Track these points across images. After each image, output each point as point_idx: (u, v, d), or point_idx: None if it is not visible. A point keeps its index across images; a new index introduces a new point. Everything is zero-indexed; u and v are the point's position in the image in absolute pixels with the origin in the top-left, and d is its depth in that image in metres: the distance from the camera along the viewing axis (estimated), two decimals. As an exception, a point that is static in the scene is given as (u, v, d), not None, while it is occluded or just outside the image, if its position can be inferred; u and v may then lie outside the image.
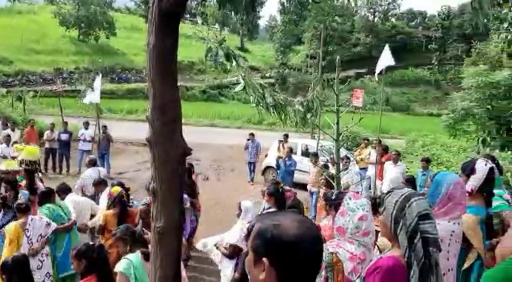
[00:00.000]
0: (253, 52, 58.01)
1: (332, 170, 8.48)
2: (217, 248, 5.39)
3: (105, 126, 15.08)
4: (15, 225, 5.42)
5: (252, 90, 5.41)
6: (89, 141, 14.62)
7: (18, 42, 40.06)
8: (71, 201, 6.71)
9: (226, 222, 9.89)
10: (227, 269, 5.16)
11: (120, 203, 6.15)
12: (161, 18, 3.25)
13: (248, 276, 1.52)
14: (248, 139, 14.60)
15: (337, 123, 6.11)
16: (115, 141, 15.71)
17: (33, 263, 5.18)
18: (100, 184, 7.63)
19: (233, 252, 5.19)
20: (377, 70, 10.45)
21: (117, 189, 6.36)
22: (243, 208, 5.72)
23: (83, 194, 8.31)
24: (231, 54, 4.08)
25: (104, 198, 6.89)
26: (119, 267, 3.89)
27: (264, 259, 1.42)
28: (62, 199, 6.67)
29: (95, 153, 14.70)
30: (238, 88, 4.88)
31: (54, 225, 5.70)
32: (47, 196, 6.18)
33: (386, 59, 10.10)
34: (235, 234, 5.38)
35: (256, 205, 6.89)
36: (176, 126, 3.49)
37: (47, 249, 5.65)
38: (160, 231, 3.48)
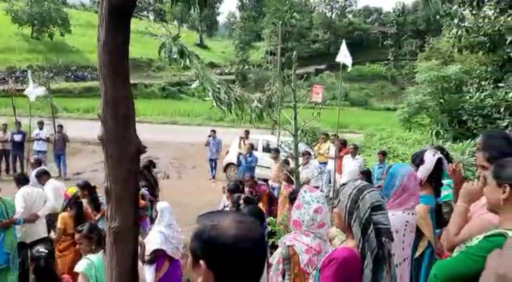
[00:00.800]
0: (213, 49, 57.75)
1: (293, 165, 8.56)
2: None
3: (60, 126, 14.66)
4: None
5: (210, 87, 5.39)
6: (45, 141, 14.16)
7: (-33, 41, 38.35)
8: (23, 193, 6.64)
9: (188, 220, 9.84)
10: (148, 273, 5.01)
11: (76, 204, 6.03)
12: (111, 14, 3.17)
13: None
14: (209, 136, 14.53)
15: (295, 118, 6.16)
16: (71, 140, 15.30)
17: None
18: (42, 174, 7.53)
19: (156, 257, 5.10)
20: (341, 61, 10.56)
21: (72, 190, 6.29)
22: (159, 210, 5.58)
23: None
24: (185, 51, 4.04)
25: (49, 190, 7.01)
26: (80, 267, 3.79)
27: (201, 262, 1.37)
28: (19, 188, 6.70)
29: (51, 153, 14.29)
30: (195, 85, 4.84)
31: None
32: None
33: (342, 57, 10.26)
34: (155, 238, 5.23)
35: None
36: (129, 124, 3.41)
37: None
38: (115, 231, 3.40)
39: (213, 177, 14.60)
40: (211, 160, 14.59)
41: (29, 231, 6.54)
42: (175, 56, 4.55)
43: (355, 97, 46.19)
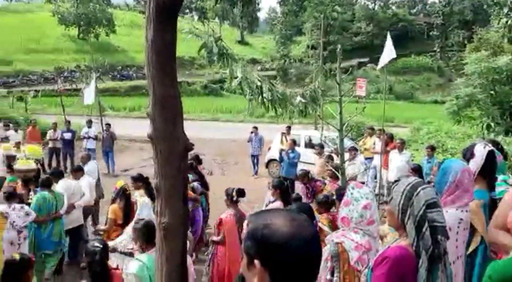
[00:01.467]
0: (254, 45, 57.83)
1: (337, 161, 8.45)
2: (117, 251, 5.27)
3: (108, 124, 15.08)
4: None
5: (248, 85, 5.37)
6: (94, 139, 14.62)
7: (17, 42, 40.03)
8: (63, 186, 7.11)
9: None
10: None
11: (124, 196, 6.33)
12: (158, 14, 3.21)
13: None
14: (252, 133, 14.58)
15: (340, 113, 6.07)
16: (118, 138, 15.72)
17: (11, 248, 5.80)
18: (78, 170, 8.01)
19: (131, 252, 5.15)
20: (381, 63, 10.35)
21: (121, 183, 6.64)
22: (140, 206, 5.79)
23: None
24: (225, 52, 4.05)
25: (85, 184, 7.61)
26: (132, 269, 3.84)
27: (256, 261, 1.36)
28: (56, 182, 7.08)
29: (100, 151, 14.75)
30: (235, 83, 4.84)
31: (33, 216, 6.12)
32: (46, 185, 6.63)
33: (388, 52, 9.99)
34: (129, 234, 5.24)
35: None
36: (177, 122, 3.46)
37: (25, 233, 6.08)
38: (165, 227, 3.47)
39: (256, 173, 14.64)
40: (253, 156, 14.64)
41: (66, 219, 7.01)
42: (215, 57, 4.58)
43: (400, 90, 45.05)
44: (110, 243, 5.53)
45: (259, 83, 5.02)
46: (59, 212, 6.64)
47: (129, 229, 5.31)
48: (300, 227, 1.38)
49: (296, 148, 12.10)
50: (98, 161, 14.24)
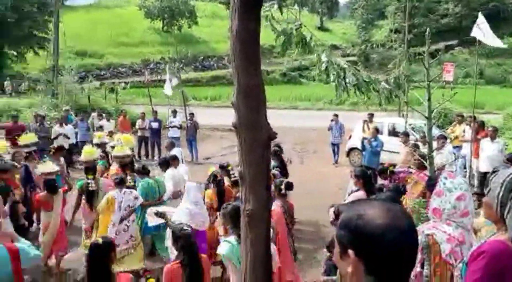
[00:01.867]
0: (334, 31, 56.70)
1: (424, 150, 8.08)
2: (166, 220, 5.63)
3: (192, 114, 15.63)
4: (108, 196, 6.49)
5: (334, 70, 5.27)
6: (178, 128, 15.23)
7: (107, 36, 42.52)
8: (170, 174, 7.65)
9: (311, 206, 9.89)
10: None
11: (215, 182, 6.73)
12: (243, 3, 3.24)
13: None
14: (332, 121, 14.38)
15: (429, 99, 5.78)
16: (201, 127, 16.22)
17: (120, 227, 6.41)
18: (174, 159, 8.40)
19: None
20: (488, 42, 9.69)
21: (211, 169, 7.18)
22: (186, 189, 5.98)
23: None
24: (305, 40, 3.98)
25: (184, 172, 8.10)
26: (222, 250, 3.98)
27: (350, 251, 1.35)
28: (164, 171, 7.72)
29: (184, 139, 15.34)
30: (322, 67, 4.75)
31: (140, 200, 6.71)
32: (146, 172, 7.30)
33: (490, 37, 9.36)
34: (182, 214, 5.55)
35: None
36: (260, 111, 3.49)
37: (133, 216, 6.65)
38: (249, 214, 3.53)
39: (336, 162, 14.46)
40: (333, 144, 14.44)
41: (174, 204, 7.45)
42: (292, 45, 4.53)
43: (492, 75, 41.92)
44: (165, 208, 6.03)
45: (345, 66, 4.89)
46: (162, 197, 7.10)
47: (183, 206, 5.72)
48: (396, 218, 1.35)
49: (379, 136, 11.75)
50: (182, 149, 14.88)
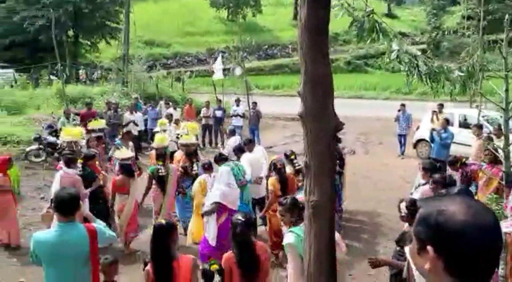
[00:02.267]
0: (402, 18, 54.71)
1: (498, 143, 7.63)
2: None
3: (255, 103, 15.72)
4: (200, 179, 7.03)
5: (407, 58, 5.08)
6: (241, 117, 15.39)
7: (175, 26, 43.60)
8: (246, 159, 7.80)
9: (375, 198, 9.69)
10: (211, 222, 6.09)
11: (276, 170, 6.85)
12: (312, -10, 3.20)
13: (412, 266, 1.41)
14: (399, 111, 13.93)
15: (506, 90, 5.43)
16: (264, 116, 16.28)
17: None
18: (249, 143, 8.48)
19: (215, 209, 6.08)
20: None
21: (272, 158, 7.36)
22: (219, 172, 6.51)
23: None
24: (377, 26, 3.84)
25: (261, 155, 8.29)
26: (289, 239, 4.01)
27: (429, 248, 1.30)
28: (238, 157, 7.89)
29: (246, 128, 15.50)
30: (392, 56, 4.59)
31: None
32: (224, 159, 7.52)
33: None
34: (214, 194, 6.20)
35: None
36: (328, 100, 3.44)
37: None
38: (313, 205, 3.51)
39: (402, 153, 14.02)
40: (400, 135, 14.01)
41: (256, 190, 7.69)
42: (365, 33, 4.39)
43: None
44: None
45: (418, 53, 4.70)
46: (244, 181, 7.33)
47: (216, 187, 6.21)
48: (478, 215, 1.28)
49: (449, 128, 11.24)
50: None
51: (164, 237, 3.60)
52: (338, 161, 8.05)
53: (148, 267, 3.63)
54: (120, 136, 10.08)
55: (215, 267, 3.85)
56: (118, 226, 7.16)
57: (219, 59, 18.61)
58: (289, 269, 3.93)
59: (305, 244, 3.60)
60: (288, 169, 7.13)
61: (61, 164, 7.34)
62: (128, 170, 7.26)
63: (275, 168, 6.88)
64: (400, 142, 14.06)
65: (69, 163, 7.04)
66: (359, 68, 39.26)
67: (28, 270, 6.59)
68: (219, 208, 6.12)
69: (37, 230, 8.11)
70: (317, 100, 3.33)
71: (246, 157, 7.83)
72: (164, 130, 10.56)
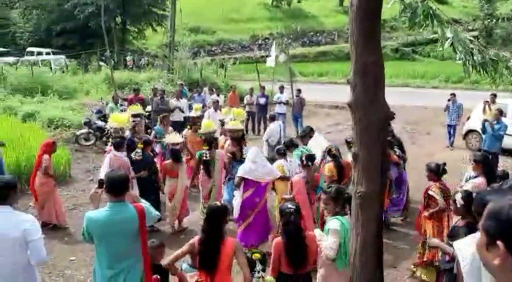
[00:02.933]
0: (453, 4, 52.58)
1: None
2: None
3: (298, 90, 15.56)
4: (278, 164, 7.22)
5: (461, 46, 4.86)
6: (284, 104, 15.30)
7: (219, 13, 43.74)
8: (312, 144, 7.98)
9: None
10: (237, 196, 6.64)
11: (331, 156, 6.94)
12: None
13: (480, 260, 1.35)
14: (449, 100, 13.44)
15: None
16: (307, 103, 16.11)
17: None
18: (311, 131, 8.56)
19: (241, 183, 6.53)
20: None
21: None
22: (249, 151, 6.95)
23: (268, 145, 10.49)
24: (432, 12, 3.68)
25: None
26: (334, 225, 3.98)
27: (499, 243, 1.25)
28: (305, 143, 8.07)
29: (289, 115, 15.39)
30: (447, 44, 4.40)
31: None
32: (295, 145, 7.85)
33: None
34: (240, 169, 6.65)
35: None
36: (378, 90, 3.35)
37: None
38: (361, 196, 3.45)
39: (451, 144, 13.55)
40: (449, 125, 13.53)
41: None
42: (418, 19, 4.22)
43: None
44: None
45: (470, 45, 4.50)
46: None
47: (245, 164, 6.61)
48: None
49: (503, 119, 10.75)
50: (288, 125, 14.96)
51: (218, 218, 3.74)
52: (398, 150, 8.26)
53: (194, 240, 3.77)
54: (159, 122, 10.26)
55: (257, 256, 3.88)
56: (169, 209, 7.40)
57: (274, 46, 18.56)
58: (326, 251, 3.86)
59: (351, 235, 3.55)
60: (349, 156, 7.16)
61: (110, 147, 7.60)
62: (175, 154, 7.45)
63: (330, 154, 6.94)
64: (449, 133, 13.59)
65: (118, 147, 7.31)
66: (407, 56, 38.18)
67: (78, 248, 6.88)
68: (245, 183, 6.55)
69: (86, 210, 8.48)
70: (367, 90, 3.25)
71: (312, 142, 8.07)
72: (201, 117, 10.73)
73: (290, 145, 7.60)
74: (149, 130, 13.44)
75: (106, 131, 11.51)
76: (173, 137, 8.14)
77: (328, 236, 3.89)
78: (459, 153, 12.38)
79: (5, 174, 8.85)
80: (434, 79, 27.18)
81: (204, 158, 7.53)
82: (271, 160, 7.90)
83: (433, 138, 14.63)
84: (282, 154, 7.40)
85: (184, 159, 7.60)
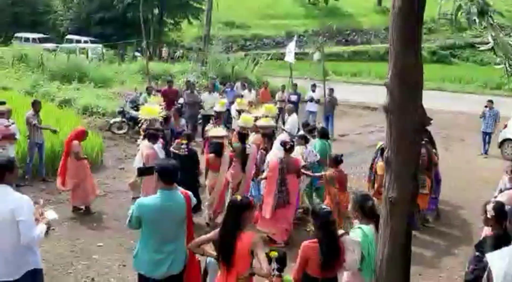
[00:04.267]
0: (495, 6, 51.00)
1: None
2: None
3: (331, 89, 15.41)
4: (299, 150, 7.53)
5: (501, 51, 4.70)
6: (316, 103, 15.18)
7: (255, 8, 43.72)
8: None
9: (452, 197, 9.23)
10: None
11: (382, 155, 6.85)
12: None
13: None
14: (486, 107, 13.07)
15: None
16: (339, 103, 15.96)
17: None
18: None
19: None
20: None
21: (379, 143, 7.94)
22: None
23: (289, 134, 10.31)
24: (486, 9, 3.55)
25: None
26: (357, 236, 3.90)
27: None
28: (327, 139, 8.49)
29: (320, 114, 15.26)
30: (486, 47, 4.26)
31: (318, 157, 7.78)
32: (325, 135, 8.41)
33: None
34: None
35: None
36: (416, 94, 3.28)
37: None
38: (392, 201, 3.39)
39: (485, 152, 13.19)
40: (485, 133, 13.16)
41: None
42: (474, 18, 4.07)
43: None
44: None
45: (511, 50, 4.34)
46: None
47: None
48: None
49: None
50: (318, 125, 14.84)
51: (237, 211, 3.75)
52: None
53: (215, 233, 3.84)
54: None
55: (274, 253, 3.85)
56: (207, 201, 7.46)
57: (293, 42, 18.37)
58: (347, 259, 3.83)
59: (378, 242, 3.50)
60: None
61: (143, 138, 7.77)
62: (215, 148, 7.45)
63: (382, 153, 6.88)
64: (484, 140, 13.22)
65: (151, 138, 7.43)
66: (444, 59, 37.24)
67: (106, 235, 7.03)
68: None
69: (116, 197, 8.67)
70: (405, 93, 3.18)
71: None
72: (243, 111, 10.64)
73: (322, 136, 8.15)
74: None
75: (139, 121, 11.66)
76: (216, 131, 8.13)
77: (352, 247, 3.84)
78: (493, 162, 12.03)
79: (44, 158, 9.23)
80: (471, 85, 26.47)
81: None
82: None
83: (467, 145, 14.27)
84: (304, 139, 7.77)
85: (227, 153, 7.58)
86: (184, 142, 7.54)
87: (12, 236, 3.63)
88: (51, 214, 4.05)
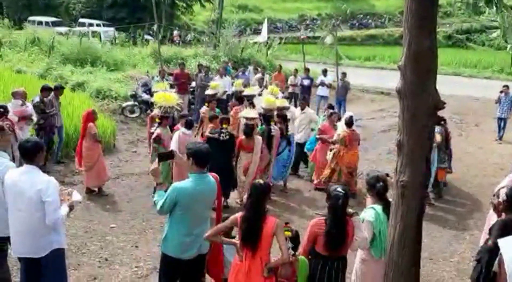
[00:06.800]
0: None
1: None
2: None
3: (344, 74, 15.26)
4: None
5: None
6: (328, 87, 15.06)
7: (267, -10, 43.25)
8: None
9: (465, 182, 9.17)
10: None
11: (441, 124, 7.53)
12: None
13: None
14: (501, 92, 12.87)
15: None
16: (352, 88, 15.82)
17: None
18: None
19: None
20: None
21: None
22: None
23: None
24: None
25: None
26: (369, 216, 3.97)
27: None
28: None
29: (333, 98, 15.15)
30: (496, 34, 4.19)
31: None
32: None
33: None
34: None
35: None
36: (429, 78, 3.24)
37: None
38: (403, 185, 3.38)
39: (500, 138, 13.02)
40: (500, 118, 12.98)
41: None
42: (481, 4, 4.02)
43: None
44: None
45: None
46: None
47: None
48: None
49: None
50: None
51: (260, 195, 3.81)
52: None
53: (236, 216, 3.85)
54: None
55: (288, 233, 3.89)
56: (241, 183, 7.56)
57: (265, 23, 18.30)
58: (357, 238, 3.87)
59: (389, 225, 3.50)
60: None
61: (180, 125, 7.88)
62: (245, 130, 7.53)
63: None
64: (499, 126, 13.05)
65: (188, 125, 7.64)
66: (460, 43, 36.57)
67: (119, 217, 7.13)
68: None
69: (128, 180, 8.76)
70: (418, 77, 3.14)
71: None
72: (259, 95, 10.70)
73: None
74: (192, 106, 13.64)
75: (151, 105, 11.67)
76: (248, 112, 8.20)
77: (362, 227, 3.89)
78: (508, 148, 11.90)
79: (63, 140, 9.36)
80: (487, 69, 26.01)
81: (272, 134, 7.86)
82: None
83: (481, 131, 14.11)
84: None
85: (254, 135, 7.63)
86: (225, 126, 7.58)
87: (38, 216, 3.74)
88: (75, 195, 4.14)
